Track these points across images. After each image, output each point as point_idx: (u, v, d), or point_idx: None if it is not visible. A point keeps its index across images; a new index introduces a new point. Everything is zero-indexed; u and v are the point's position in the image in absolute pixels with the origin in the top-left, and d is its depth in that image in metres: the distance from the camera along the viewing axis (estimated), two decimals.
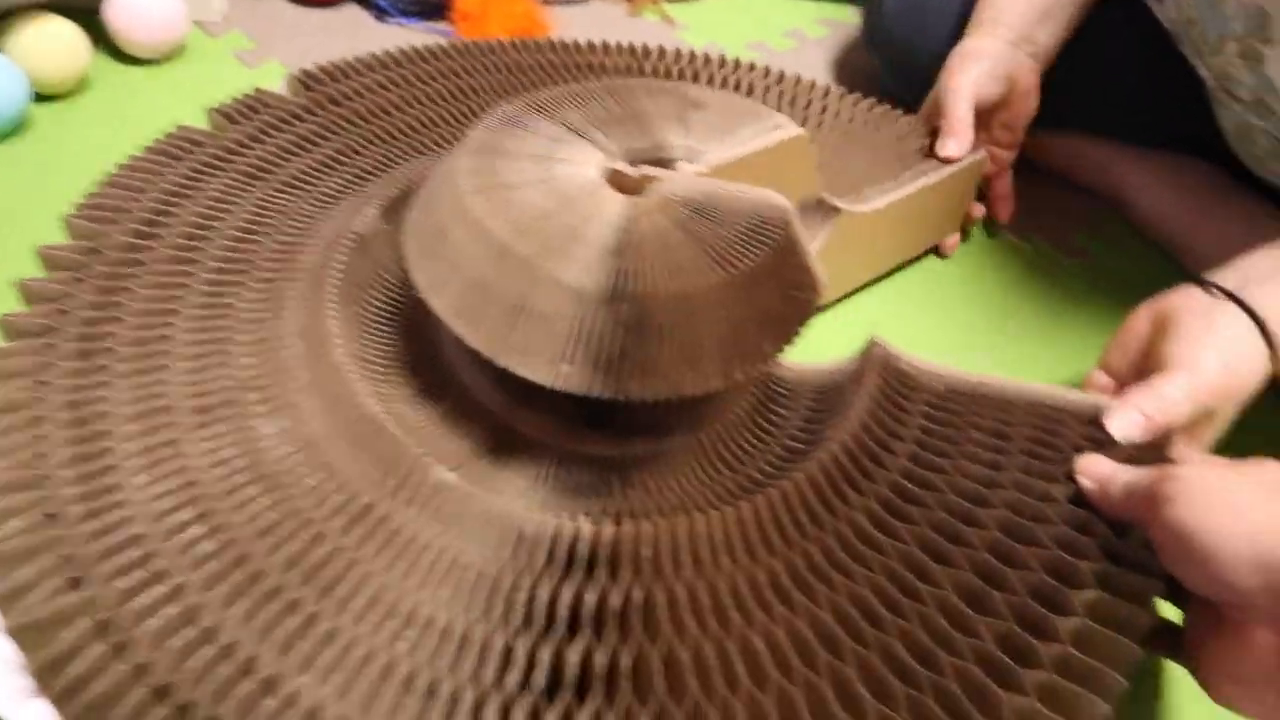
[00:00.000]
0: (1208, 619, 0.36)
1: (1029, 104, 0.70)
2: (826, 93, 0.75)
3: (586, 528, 0.40)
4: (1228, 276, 0.49)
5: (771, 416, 0.50)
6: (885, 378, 0.46)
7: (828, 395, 0.49)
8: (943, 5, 0.78)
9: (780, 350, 0.45)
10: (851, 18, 1.02)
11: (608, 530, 0.40)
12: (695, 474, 0.47)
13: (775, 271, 0.44)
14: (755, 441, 0.48)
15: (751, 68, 0.76)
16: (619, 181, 0.45)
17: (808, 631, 0.37)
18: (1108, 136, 0.77)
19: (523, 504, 0.43)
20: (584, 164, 0.47)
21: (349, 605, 0.37)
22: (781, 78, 0.75)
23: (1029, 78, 0.69)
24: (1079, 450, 0.41)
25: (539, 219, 0.42)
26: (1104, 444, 0.42)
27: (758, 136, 0.53)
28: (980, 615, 0.36)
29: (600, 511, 0.44)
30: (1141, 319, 0.50)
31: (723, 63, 0.76)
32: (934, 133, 0.69)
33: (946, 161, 0.67)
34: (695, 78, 0.74)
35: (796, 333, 0.46)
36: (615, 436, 0.47)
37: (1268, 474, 0.35)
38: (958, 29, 0.77)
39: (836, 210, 0.59)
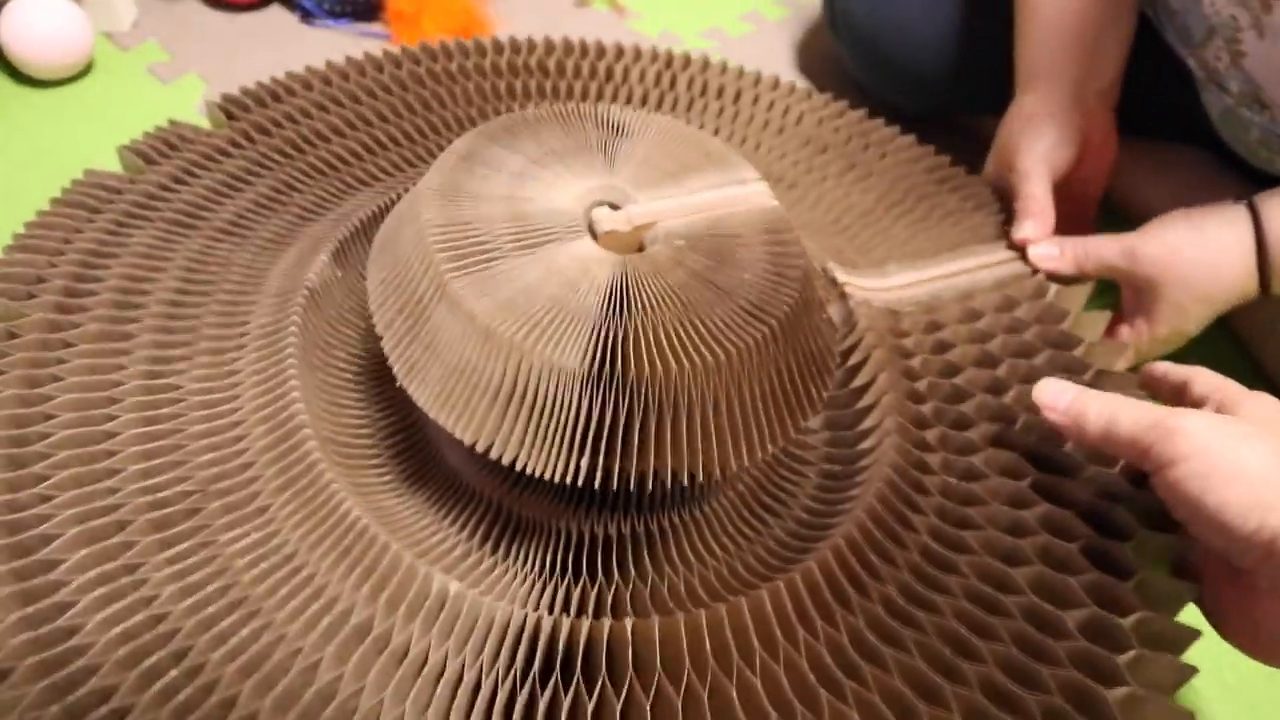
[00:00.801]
0: (1220, 565, 0.37)
1: (1108, 153, 0.64)
2: (806, 96, 0.68)
3: (607, 628, 0.37)
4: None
5: (785, 484, 0.47)
6: (901, 435, 0.43)
7: (840, 456, 0.47)
8: None
9: (802, 423, 0.41)
10: None
11: (630, 627, 0.37)
12: (709, 549, 0.43)
13: (790, 339, 0.40)
14: (773, 507, 0.45)
15: (687, 63, 0.68)
16: (610, 239, 0.41)
17: None
18: None
19: (532, 604, 0.39)
20: (561, 208, 0.42)
21: None
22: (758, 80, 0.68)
23: (1103, 126, 0.63)
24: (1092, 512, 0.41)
25: (523, 292, 0.38)
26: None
27: (711, 192, 0.44)
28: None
29: (617, 602, 0.40)
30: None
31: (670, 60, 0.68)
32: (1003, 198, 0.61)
33: (1012, 245, 0.57)
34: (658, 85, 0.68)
35: (816, 403, 0.42)
36: (621, 514, 0.43)
37: (1269, 415, 0.37)
38: (925, 4, 0.73)
39: (841, 291, 0.52)
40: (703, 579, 0.41)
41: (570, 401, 0.37)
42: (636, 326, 0.37)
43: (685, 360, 0.37)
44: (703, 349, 0.37)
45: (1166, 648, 0.38)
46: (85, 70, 0.81)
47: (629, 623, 0.37)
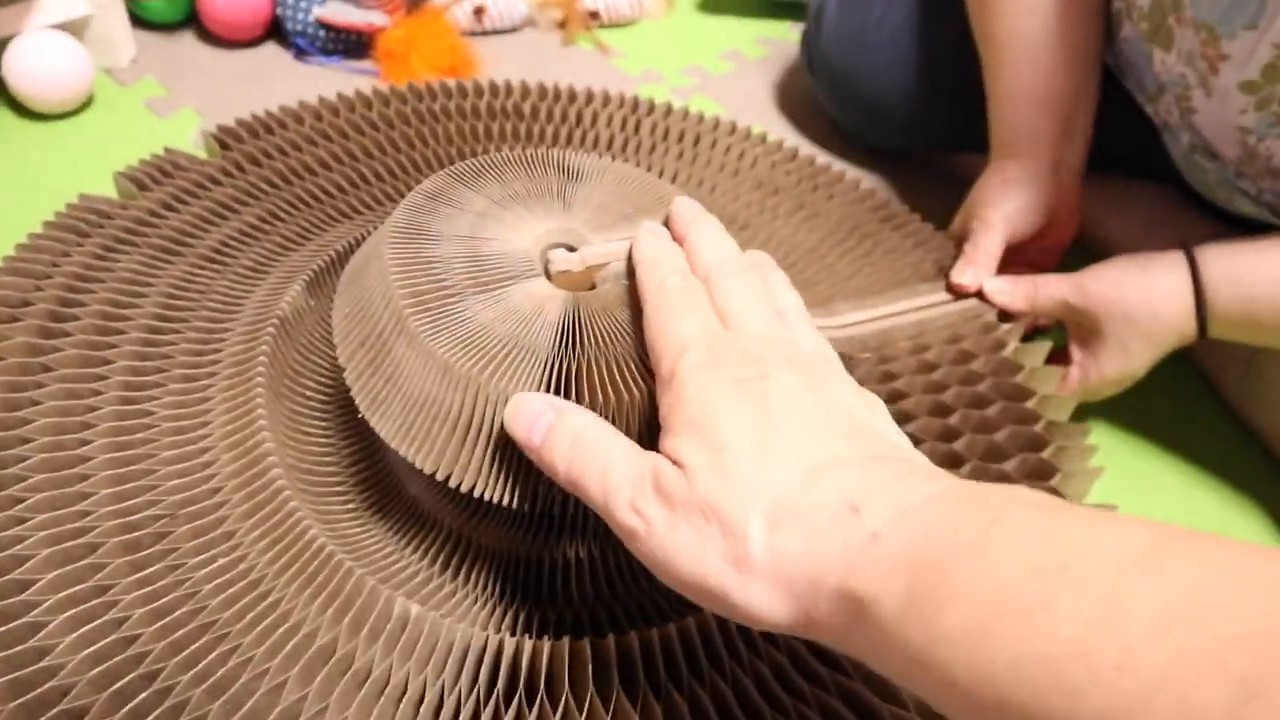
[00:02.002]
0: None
1: (1071, 230, 0.66)
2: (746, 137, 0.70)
3: (549, 647, 0.38)
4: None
5: None
6: None
7: None
8: (881, 27, 0.77)
9: None
10: (791, 35, 1.00)
11: (584, 646, 0.38)
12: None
13: None
14: None
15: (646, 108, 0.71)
16: (563, 278, 0.42)
17: None
18: None
19: (493, 626, 0.40)
20: (518, 249, 0.43)
21: None
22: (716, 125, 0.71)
23: (1070, 203, 0.64)
24: None
25: (479, 331, 0.39)
26: None
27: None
28: None
29: (572, 622, 0.41)
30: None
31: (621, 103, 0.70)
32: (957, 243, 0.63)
33: (950, 289, 0.59)
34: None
35: None
36: (576, 540, 0.44)
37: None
38: (896, 51, 0.76)
39: None
40: (653, 602, 0.42)
41: None
42: (588, 359, 0.39)
43: (635, 389, 0.38)
44: (648, 378, 0.39)
45: None
46: (86, 104, 0.83)
47: (586, 642, 0.38)
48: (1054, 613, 0.22)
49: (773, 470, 0.29)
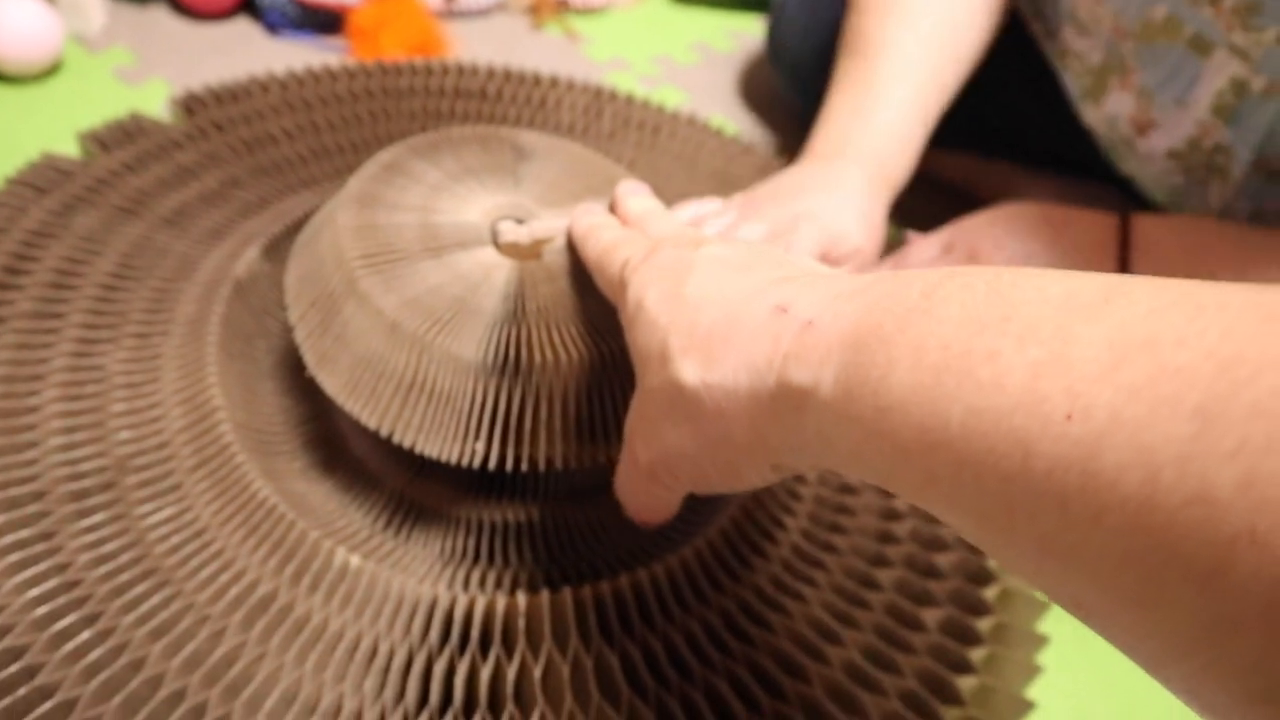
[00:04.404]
0: None
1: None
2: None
3: (501, 601, 0.39)
4: None
5: None
6: None
7: None
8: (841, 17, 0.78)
9: None
10: (761, 28, 1.01)
11: (520, 600, 0.39)
12: (599, 536, 0.46)
13: None
14: None
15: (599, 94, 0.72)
16: (510, 248, 0.43)
17: (703, 703, 0.36)
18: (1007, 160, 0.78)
19: (430, 580, 0.41)
20: (469, 220, 0.44)
21: (261, 707, 0.35)
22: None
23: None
24: None
25: (427, 292, 0.40)
26: None
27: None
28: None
29: (510, 580, 0.42)
30: None
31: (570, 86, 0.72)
32: None
33: None
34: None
35: None
36: (516, 502, 0.45)
37: None
38: None
39: None
40: (590, 563, 0.44)
41: (467, 389, 0.39)
42: (530, 323, 0.40)
43: (574, 351, 0.40)
44: (590, 342, 0.40)
45: (1021, 647, 0.41)
46: (54, 70, 0.83)
47: (522, 597, 0.39)
48: (999, 362, 0.21)
49: (690, 315, 0.30)
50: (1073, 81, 0.64)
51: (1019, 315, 0.21)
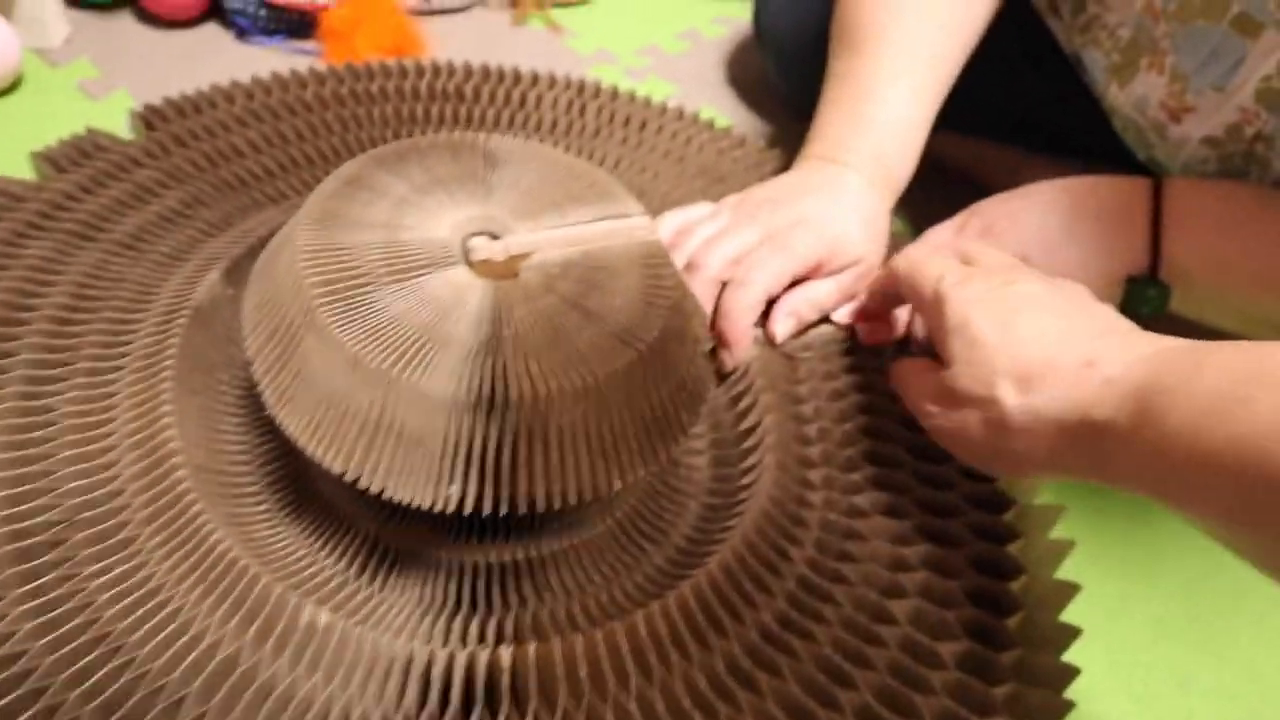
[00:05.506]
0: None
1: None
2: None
3: (482, 656, 0.36)
4: None
5: (666, 507, 0.46)
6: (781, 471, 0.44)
7: (722, 489, 0.46)
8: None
9: (673, 447, 0.41)
10: (749, 14, 0.98)
11: (504, 655, 0.36)
12: (587, 577, 0.42)
13: (661, 365, 0.39)
14: (652, 535, 0.45)
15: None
16: (483, 266, 0.40)
17: None
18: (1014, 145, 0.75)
19: (407, 634, 0.38)
20: (438, 237, 0.41)
21: None
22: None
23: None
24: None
25: (392, 321, 0.37)
26: None
27: (591, 224, 0.42)
28: None
29: (493, 630, 0.39)
30: None
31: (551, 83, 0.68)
32: None
33: None
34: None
35: (686, 428, 0.41)
36: (499, 543, 0.42)
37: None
38: None
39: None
40: (582, 606, 0.40)
41: (438, 429, 0.36)
42: (506, 352, 0.36)
43: (553, 383, 0.36)
44: (570, 373, 0.36)
45: (1046, 684, 0.37)
46: (12, 87, 0.80)
47: (506, 651, 0.36)
48: (1253, 405, 0.29)
49: (1017, 348, 0.38)
50: (1099, 58, 0.59)
51: (1267, 371, 0.30)
